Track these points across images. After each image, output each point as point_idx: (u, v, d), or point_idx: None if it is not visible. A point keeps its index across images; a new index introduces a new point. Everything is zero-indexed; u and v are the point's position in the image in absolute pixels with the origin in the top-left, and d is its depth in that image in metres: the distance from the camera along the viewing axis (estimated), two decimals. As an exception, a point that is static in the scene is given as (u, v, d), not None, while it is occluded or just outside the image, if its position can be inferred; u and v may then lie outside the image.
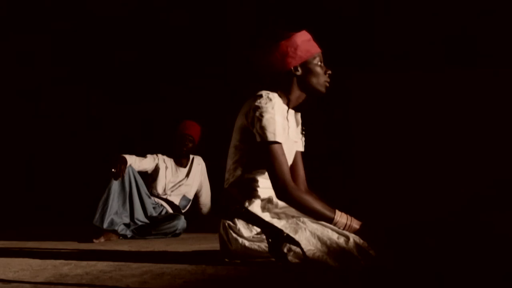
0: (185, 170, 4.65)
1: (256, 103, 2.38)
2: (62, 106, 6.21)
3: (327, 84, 2.55)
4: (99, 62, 6.11)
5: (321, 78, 2.53)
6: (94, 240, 3.80)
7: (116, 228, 3.98)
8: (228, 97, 5.76)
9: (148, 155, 4.48)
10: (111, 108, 6.07)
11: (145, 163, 4.42)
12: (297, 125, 2.64)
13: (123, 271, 2.25)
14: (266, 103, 2.37)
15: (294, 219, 2.37)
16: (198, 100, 5.76)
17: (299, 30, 2.55)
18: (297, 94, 2.54)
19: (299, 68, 2.51)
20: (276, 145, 2.36)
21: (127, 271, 2.25)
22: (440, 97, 5.07)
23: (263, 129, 2.35)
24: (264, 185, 2.45)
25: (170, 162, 4.60)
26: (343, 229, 2.33)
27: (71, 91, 6.18)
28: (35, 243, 3.60)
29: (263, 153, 2.37)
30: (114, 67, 6.08)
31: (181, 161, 4.65)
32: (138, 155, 4.37)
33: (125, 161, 4.12)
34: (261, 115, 2.35)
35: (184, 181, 4.61)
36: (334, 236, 2.27)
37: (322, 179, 5.02)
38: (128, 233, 4.06)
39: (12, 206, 5.91)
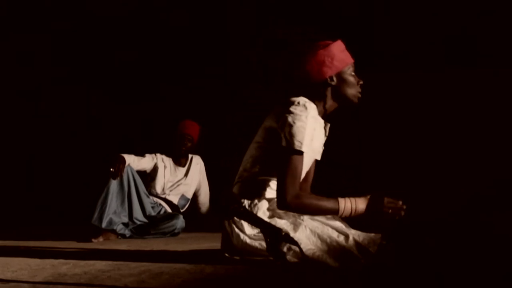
0: (183, 170, 4.64)
1: (291, 108, 2.37)
2: (62, 106, 6.20)
3: (360, 95, 2.55)
4: (99, 62, 6.10)
5: (354, 89, 2.53)
6: (93, 240, 3.79)
7: (114, 228, 3.97)
8: (228, 97, 5.78)
9: (147, 155, 4.47)
10: (111, 108, 6.06)
11: (144, 163, 4.41)
12: (325, 135, 2.61)
13: (122, 271, 2.25)
14: (301, 111, 2.36)
15: (295, 217, 2.37)
16: (198, 100, 5.76)
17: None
18: (330, 103, 2.54)
19: (334, 78, 2.50)
20: (298, 156, 2.35)
21: (126, 271, 2.24)
22: (440, 97, 5.07)
23: (291, 135, 2.34)
24: (275, 187, 2.44)
25: (168, 161, 4.59)
26: (351, 214, 2.34)
27: (71, 91, 6.17)
28: (35, 243, 3.59)
29: (282, 158, 2.36)
30: (114, 67, 6.07)
31: (180, 160, 4.64)
32: (137, 155, 4.36)
33: (124, 161, 4.12)
34: (294, 122, 2.34)
35: (182, 181, 4.61)
36: (334, 234, 2.29)
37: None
38: (127, 232, 4.05)
39: (12, 206, 5.90)
